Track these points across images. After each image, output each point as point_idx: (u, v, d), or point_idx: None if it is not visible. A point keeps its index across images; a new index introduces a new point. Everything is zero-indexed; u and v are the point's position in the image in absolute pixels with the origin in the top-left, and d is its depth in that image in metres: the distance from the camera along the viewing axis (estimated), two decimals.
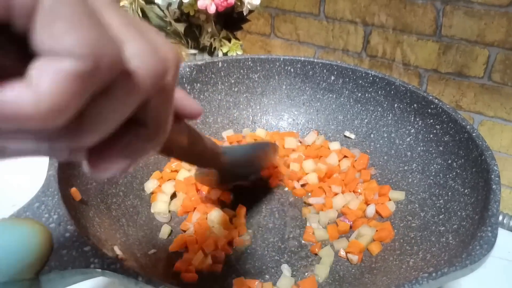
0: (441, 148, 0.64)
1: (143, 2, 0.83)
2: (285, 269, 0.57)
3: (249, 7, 0.84)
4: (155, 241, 0.61)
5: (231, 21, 0.90)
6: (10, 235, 0.41)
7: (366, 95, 0.76)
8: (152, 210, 0.66)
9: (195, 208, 0.66)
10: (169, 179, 0.71)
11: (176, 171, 0.73)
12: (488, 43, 0.88)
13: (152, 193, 0.69)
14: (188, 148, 0.41)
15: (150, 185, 0.69)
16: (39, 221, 0.43)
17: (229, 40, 0.89)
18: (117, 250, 0.50)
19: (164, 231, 0.63)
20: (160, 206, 0.67)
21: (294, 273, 0.57)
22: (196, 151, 0.44)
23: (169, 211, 0.67)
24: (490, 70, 0.90)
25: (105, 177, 0.26)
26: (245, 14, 0.87)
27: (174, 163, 0.73)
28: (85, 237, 0.42)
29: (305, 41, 1.13)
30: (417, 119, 0.69)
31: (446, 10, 0.90)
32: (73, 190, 0.52)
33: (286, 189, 0.73)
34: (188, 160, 0.46)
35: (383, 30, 1.00)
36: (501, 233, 0.45)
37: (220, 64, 0.80)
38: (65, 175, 0.51)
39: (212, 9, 0.78)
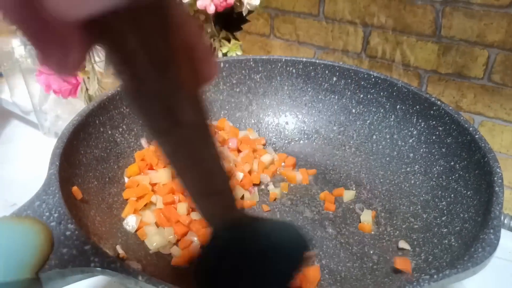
0: (443, 150, 0.64)
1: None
2: None
3: (249, 7, 0.84)
4: None
5: (230, 21, 0.90)
6: (11, 233, 0.41)
7: (368, 96, 0.76)
8: (151, 248, 0.58)
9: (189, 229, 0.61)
10: (145, 206, 0.63)
11: (141, 196, 0.63)
12: (488, 44, 0.88)
13: (137, 230, 0.60)
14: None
15: (132, 222, 0.60)
16: (40, 219, 0.43)
17: (229, 41, 0.89)
18: (119, 249, 0.50)
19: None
20: (158, 240, 0.58)
21: None
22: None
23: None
24: (490, 71, 0.90)
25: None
26: (244, 15, 0.87)
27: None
28: (85, 236, 0.42)
29: (304, 42, 1.13)
30: (420, 121, 0.69)
31: (445, 11, 0.90)
32: (74, 188, 0.52)
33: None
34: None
35: (383, 31, 1.00)
36: (502, 233, 0.44)
37: (221, 65, 0.80)
38: (66, 174, 0.51)
39: (211, 9, 0.78)
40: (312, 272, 0.56)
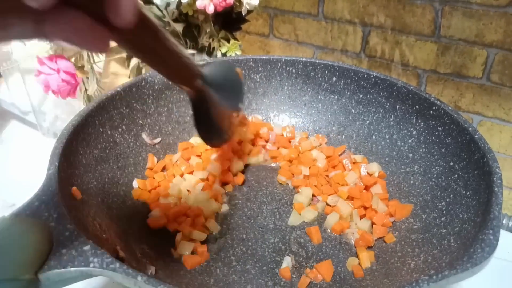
0: (443, 150, 0.64)
1: (141, 2, 0.83)
2: (286, 260, 0.59)
3: (248, 7, 0.84)
4: (155, 241, 0.61)
5: (229, 21, 0.90)
6: (10, 233, 0.40)
7: (368, 96, 0.76)
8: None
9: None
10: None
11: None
12: (487, 44, 0.89)
13: None
14: (152, 43, 0.39)
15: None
16: (39, 220, 0.43)
17: (228, 41, 0.88)
18: (118, 250, 0.50)
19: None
20: None
21: (294, 271, 0.57)
22: (162, 50, 0.42)
23: None
24: (489, 71, 0.90)
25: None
26: (243, 14, 0.87)
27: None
28: (84, 237, 0.42)
29: (303, 42, 1.13)
30: (419, 121, 0.69)
31: (444, 11, 0.90)
32: (74, 189, 0.51)
33: (288, 189, 0.73)
34: (153, 60, 0.43)
35: (382, 31, 1.00)
36: (501, 234, 0.44)
37: None
38: (66, 174, 0.51)
39: (210, 9, 0.78)
40: (326, 266, 0.57)
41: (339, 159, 0.76)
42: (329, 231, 0.65)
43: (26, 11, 0.27)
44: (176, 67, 0.46)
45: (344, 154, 0.76)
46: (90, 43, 0.31)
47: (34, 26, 0.28)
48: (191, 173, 0.72)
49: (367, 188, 0.70)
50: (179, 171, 0.72)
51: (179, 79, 0.50)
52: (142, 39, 0.38)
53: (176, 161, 0.74)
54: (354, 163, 0.74)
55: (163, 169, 0.73)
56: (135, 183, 0.68)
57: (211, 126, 0.61)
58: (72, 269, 0.39)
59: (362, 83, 0.76)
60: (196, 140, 0.78)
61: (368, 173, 0.72)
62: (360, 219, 0.65)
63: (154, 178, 0.70)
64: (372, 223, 0.64)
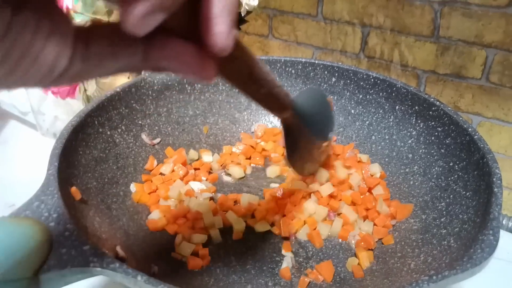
0: (442, 151, 0.64)
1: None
2: (286, 261, 0.59)
3: (247, 8, 0.84)
4: (155, 241, 0.61)
5: None
6: (10, 233, 0.40)
7: (367, 97, 0.76)
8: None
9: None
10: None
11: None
12: (486, 44, 0.88)
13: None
14: (245, 70, 0.39)
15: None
16: (39, 220, 0.43)
17: None
18: (118, 250, 0.50)
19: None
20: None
21: (294, 272, 0.57)
22: (255, 78, 0.40)
23: None
24: (488, 72, 0.90)
25: (141, 30, 0.25)
26: (243, 15, 0.87)
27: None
28: (84, 236, 0.42)
29: (303, 42, 1.13)
30: (419, 121, 0.69)
31: (443, 11, 0.90)
32: (73, 189, 0.51)
33: None
34: (248, 89, 0.42)
35: (381, 31, 1.00)
36: (501, 234, 0.45)
37: None
38: (65, 174, 0.51)
39: None
40: (326, 266, 0.57)
41: (347, 158, 0.75)
42: (334, 236, 0.64)
43: (135, 41, 0.27)
44: (268, 96, 0.45)
45: (349, 153, 0.76)
46: (197, 71, 0.30)
47: (141, 57, 0.28)
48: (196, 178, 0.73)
49: (369, 189, 0.69)
50: (177, 176, 0.71)
51: (270, 108, 0.50)
52: (238, 66, 0.38)
53: (174, 166, 0.73)
54: (358, 162, 0.74)
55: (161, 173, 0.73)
56: (133, 187, 0.67)
57: (301, 156, 0.64)
58: (72, 268, 0.39)
59: (361, 83, 0.77)
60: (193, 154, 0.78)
61: (369, 174, 0.72)
62: (363, 221, 0.65)
63: (152, 182, 0.70)
64: (374, 225, 0.64)
